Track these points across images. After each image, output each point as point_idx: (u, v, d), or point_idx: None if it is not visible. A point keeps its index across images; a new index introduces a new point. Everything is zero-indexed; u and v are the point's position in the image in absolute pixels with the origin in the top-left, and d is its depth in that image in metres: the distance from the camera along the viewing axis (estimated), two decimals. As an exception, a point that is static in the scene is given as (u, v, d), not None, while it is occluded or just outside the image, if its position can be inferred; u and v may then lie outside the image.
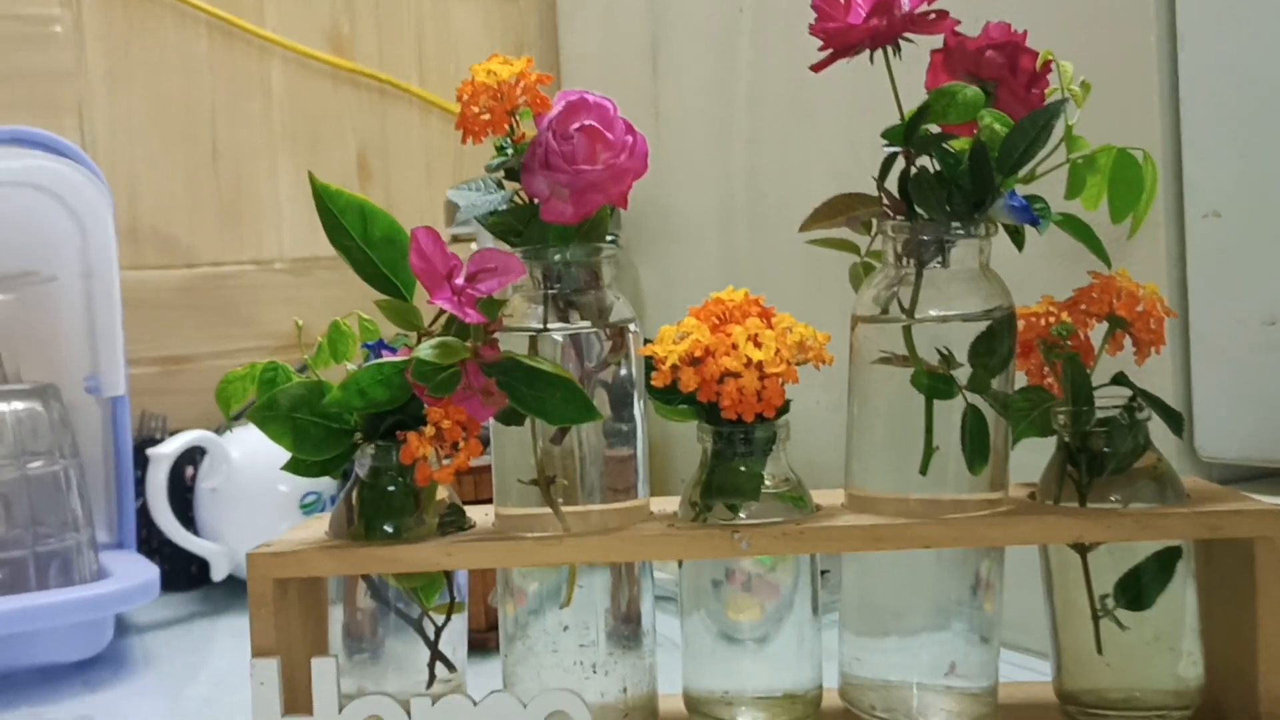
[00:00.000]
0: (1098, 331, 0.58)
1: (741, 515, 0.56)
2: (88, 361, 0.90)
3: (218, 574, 0.92)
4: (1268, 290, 0.60)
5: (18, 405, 0.79)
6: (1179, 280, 0.64)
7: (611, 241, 0.59)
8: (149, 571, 0.82)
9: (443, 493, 0.58)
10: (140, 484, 0.93)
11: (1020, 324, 0.59)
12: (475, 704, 0.54)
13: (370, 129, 1.15)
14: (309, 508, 0.92)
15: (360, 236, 0.54)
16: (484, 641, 0.80)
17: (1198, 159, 0.62)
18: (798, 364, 0.56)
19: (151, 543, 0.97)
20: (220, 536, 0.92)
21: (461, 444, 0.54)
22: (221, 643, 0.88)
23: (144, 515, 0.93)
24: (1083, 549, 0.57)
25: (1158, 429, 0.56)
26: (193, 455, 0.97)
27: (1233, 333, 0.61)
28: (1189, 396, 0.64)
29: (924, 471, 0.55)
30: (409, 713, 0.53)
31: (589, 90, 0.54)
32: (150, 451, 0.90)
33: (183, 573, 0.99)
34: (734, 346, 0.55)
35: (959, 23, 0.56)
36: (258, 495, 0.94)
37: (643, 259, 1.10)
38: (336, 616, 0.59)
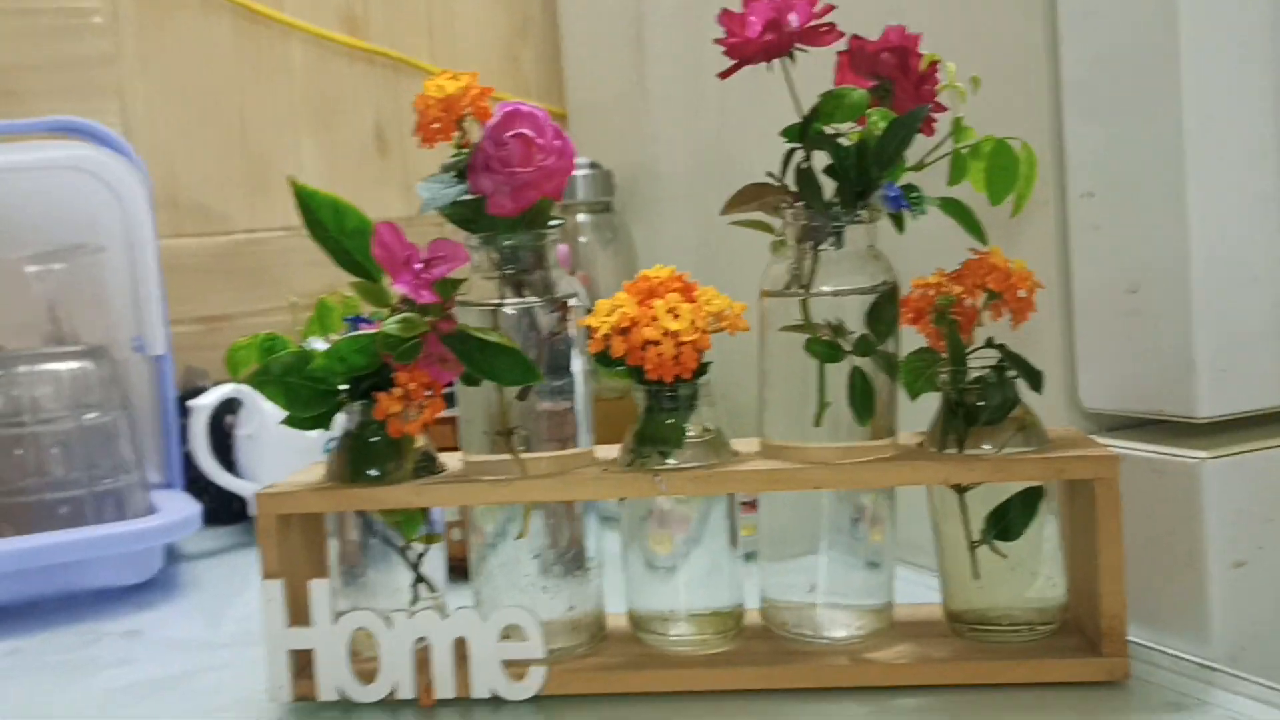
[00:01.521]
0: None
1: (670, 461, 0.66)
2: (133, 323, 1.02)
3: (254, 510, 1.05)
4: (1130, 261, 0.68)
5: (73, 364, 0.91)
6: (1063, 252, 0.72)
7: (557, 225, 0.68)
8: (192, 508, 0.94)
9: (421, 442, 0.69)
10: (185, 431, 1.05)
11: (916, 293, 0.68)
12: (444, 618, 0.65)
13: (385, 104, 1.25)
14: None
15: (335, 229, 0.64)
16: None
17: (1075, 146, 0.70)
18: (713, 331, 0.66)
19: (198, 483, 1.10)
20: (256, 476, 1.04)
21: (426, 402, 0.64)
22: (257, 570, 1.00)
23: (189, 459, 1.05)
24: (959, 489, 0.66)
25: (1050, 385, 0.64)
26: (232, 405, 1.09)
27: (1104, 299, 0.69)
28: (1073, 355, 0.72)
29: (817, 423, 0.65)
30: (389, 624, 0.64)
31: (522, 102, 0.63)
32: (191, 403, 1.02)
33: (225, 509, 1.12)
34: (654, 318, 0.64)
35: (843, 35, 0.64)
36: (287, 441, 1.04)
37: (635, 220, 1.19)
38: (334, 546, 0.70)
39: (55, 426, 0.89)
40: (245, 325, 1.20)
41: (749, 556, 0.69)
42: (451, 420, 0.70)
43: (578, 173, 1.18)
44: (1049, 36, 0.71)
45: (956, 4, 0.76)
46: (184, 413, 1.04)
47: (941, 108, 0.66)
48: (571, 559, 0.68)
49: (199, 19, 1.17)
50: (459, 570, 0.74)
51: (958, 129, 0.67)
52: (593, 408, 0.70)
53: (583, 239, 1.18)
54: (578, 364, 0.68)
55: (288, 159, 1.21)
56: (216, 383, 1.15)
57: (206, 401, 1.01)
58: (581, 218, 1.18)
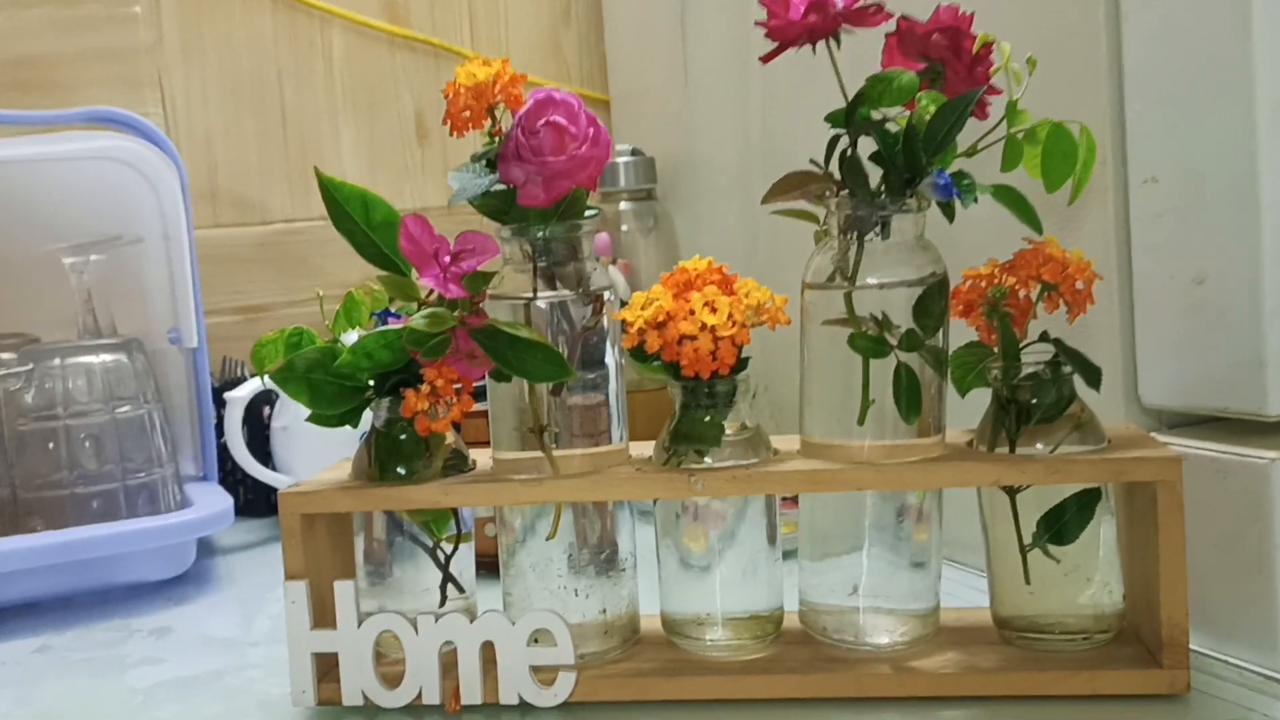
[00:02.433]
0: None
1: (707, 459, 0.63)
2: (170, 315, 1.01)
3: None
4: (1196, 251, 0.64)
5: (105, 358, 0.90)
6: (1124, 241, 0.68)
7: (592, 216, 0.66)
8: (224, 502, 0.93)
9: (451, 438, 0.67)
10: (221, 423, 1.04)
11: (967, 284, 0.65)
12: (471, 622, 0.63)
13: (426, 91, 1.23)
14: (368, 444, 1.02)
15: (363, 221, 0.62)
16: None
17: (1137, 130, 0.66)
18: (753, 325, 0.63)
19: (234, 475, 1.09)
20: (291, 469, 1.03)
21: (454, 399, 0.62)
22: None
23: (225, 451, 1.04)
24: (1011, 491, 0.63)
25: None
26: (269, 397, 1.08)
27: (1168, 291, 0.66)
28: (1134, 349, 0.69)
29: (861, 422, 0.62)
30: (415, 628, 0.63)
31: (555, 88, 0.61)
32: (227, 395, 1.01)
33: (262, 501, 1.11)
34: (691, 312, 0.62)
35: (891, 16, 0.61)
36: (323, 433, 1.04)
37: (676, 209, 1.17)
38: (360, 544, 0.68)
39: (88, 420, 0.88)
40: (284, 316, 1.19)
41: (787, 554, 0.67)
42: (484, 413, 0.68)
43: (619, 159, 1.15)
44: (1110, 13, 0.67)
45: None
46: (220, 404, 1.04)
47: (996, 90, 0.63)
48: (605, 559, 0.66)
49: (239, 8, 1.16)
50: (489, 566, 0.72)
51: (1012, 113, 0.63)
52: (628, 401, 0.67)
53: (624, 227, 1.16)
54: (612, 358, 0.66)
55: (328, 148, 1.20)
56: (255, 374, 1.15)
57: (242, 394, 1.00)
58: (623, 205, 1.16)
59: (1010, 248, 0.64)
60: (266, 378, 0.63)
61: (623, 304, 0.65)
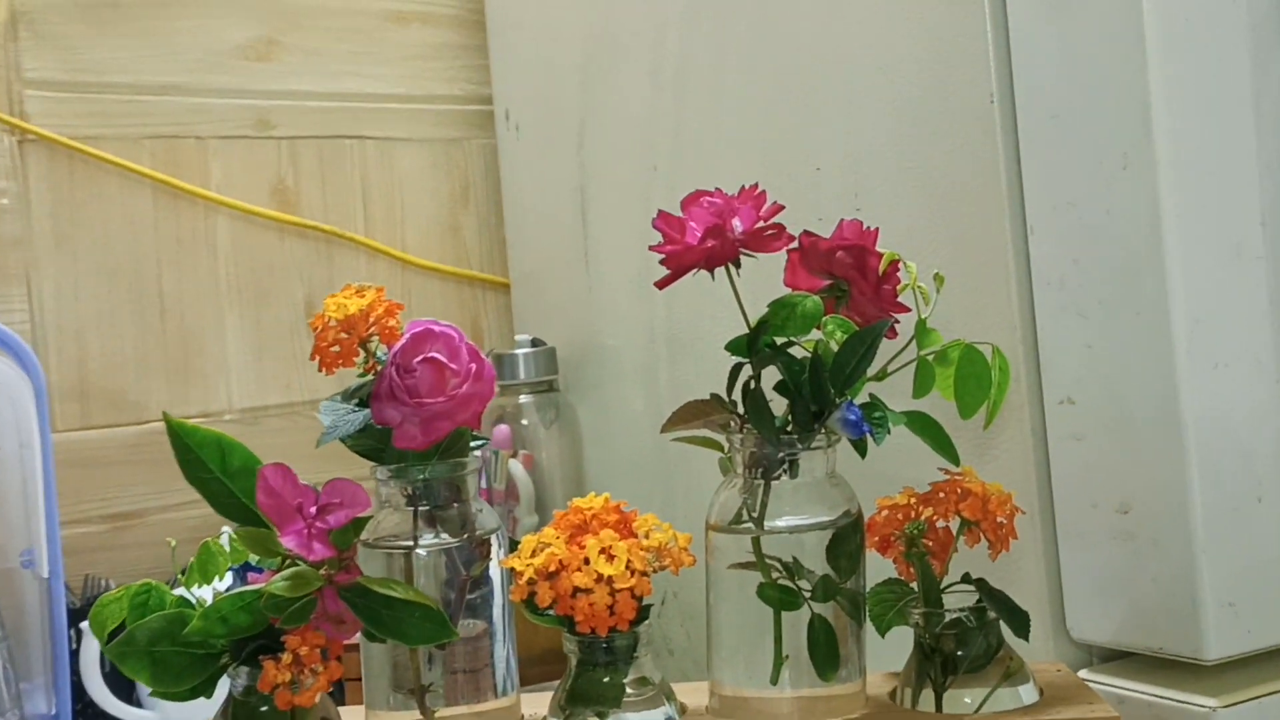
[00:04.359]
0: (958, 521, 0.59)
1: (607, 720, 0.57)
2: (25, 533, 0.92)
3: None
4: (1120, 478, 0.61)
5: (-56, 593, 0.81)
6: (1042, 463, 0.65)
7: (478, 448, 0.61)
8: (77, 748, 0.84)
9: (317, 703, 0.59)
10: (78, 652, 0.94)
11: (882, 514, 0.60)
12: None
13: (318, 277, 1.18)
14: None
15: (219, 468, 0.56)
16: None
17: (1051, 347, 0.64)
18: (654, 571, 0.58)
19: (92, 710, 0.99)
20: (156, 704, 0.94)
21: (321, 666, 0.55)
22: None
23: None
24: (941, 746, 0.57)
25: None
26: (137, 614, 0.98)
27: (1093, 518, 0.62)
28: (1059, 579, 0.64)
29: (774, 681, 0.56)
30: None
31: (435, 320, 0.56)
32: (83, 625, 0.92)
33: (126, 735, 1.00)
34: (585, 560, 0.56)
35: (793, 239, 0.58)
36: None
37: (580, 399, 1.12)
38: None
39: (-81, 666, 0.79)
40: (159, 521, 1.10)
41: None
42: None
43: (519, 351, 1.11)
44: (1016, 224, 0.65)
45: (912, 194, 0.71)
46: (78, 632, 0.94)
47: (903, 308, 0.60)
48: (495, 843, 0.59)
49: (117, 195, 1.10)
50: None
51: (922, 333, 0.60)
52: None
53: (525, 421, 1.10)
54: (500, 608, 0.59)
55: (211, 338, 1.14)
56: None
57: (102, 621, 0.91)
58: (524, 398, 1.10)
59: (921, 467, 0.59)
60: (106, 652, 0.55)
61: (513, 545, 0.59)
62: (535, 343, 1.12)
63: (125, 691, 0.95)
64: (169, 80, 1.14)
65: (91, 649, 0.90)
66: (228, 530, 0.99)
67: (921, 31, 0.69)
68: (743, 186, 0.59)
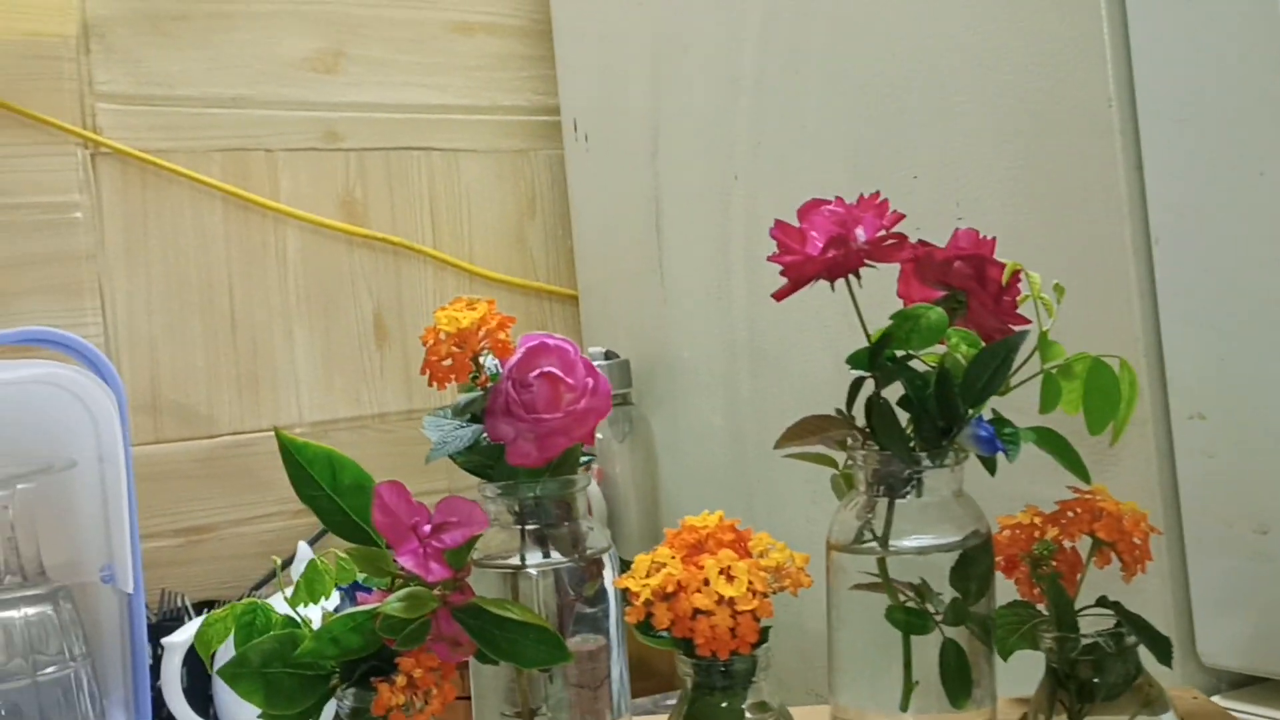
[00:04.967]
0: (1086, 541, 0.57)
1: (724, 747, 0.55)
2: (104, 548, 0.91)
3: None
4: (1257, 497, 0.58)
5: (29, 611, 0.80)
6: (1169, 480, 0.62)
7: (587, 462, 0.59)
8: (158, 766, 0.83)
9: (426, 724, 0.58)
10: (157, 666, 0.93)
11: (1005, 534, 0.58)
12: None
13: (385, 289, 1.17)
14: (323, 685, 0.91)
15: (329, 485, 0.55)
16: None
17: (1178, 361, 0.61)
18: (773, 593, 0.56)
19: (170, 723, 0.98)
20: (235, 717, 0.93)
21: (434, 689, 0.54)
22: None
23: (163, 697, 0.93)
24: (1076, 778, 0.55)
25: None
26: (211, 630, 0.97)
27: (1226, 538, 0.60)
28: (1188, 600, 0.62)
29: (904, 708, 0.54)
30: None
31: (549, 334, 0.55)
32: (165, 641, 0.91)
33: (202, 750, 0.99)
34: (705, 582, 0.54)
35: (917, 247, 0.56)
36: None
37: (653, 411, 1.10)
38: None
39: (6, 685, 0.78)
40: (231, 535, 1.09)
41: None
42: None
43: (594, 364, 1.09)
44: (1139, 235, 0.63)
45: (1020, 202, 0.69)
46: (158, 646, 0.93)
47: (1024, 320, 0.58)
48: None
49: (188, 208, 1.10)
50: None
51: (1045, 346, 0.58)
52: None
53: (598, 435, 1.09)
54: (614, 629, 0.58)
55: (280, 352, 1.13)
56: (195, 603, 1.04)
57: (180, 639, 0.90)
58: (597, 411, 1.09)
59: (1036, 484, 0.57)
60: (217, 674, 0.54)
61: (625, 565, 0.57)
62: (609, 355, 1.10)
63: (202, 706, 0.94)
64: (237, 93, 1.14)
65: (173, 664, 0.89)
66: (303, 545, 0.98)
67: (1029, 29, 0.67)
68: (861, 195, 0.57)
